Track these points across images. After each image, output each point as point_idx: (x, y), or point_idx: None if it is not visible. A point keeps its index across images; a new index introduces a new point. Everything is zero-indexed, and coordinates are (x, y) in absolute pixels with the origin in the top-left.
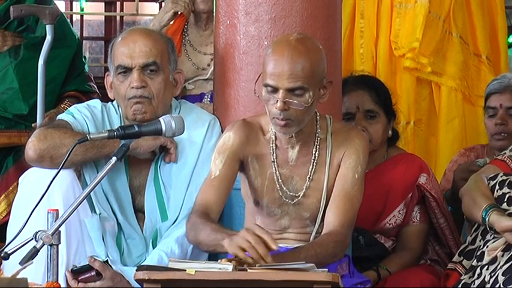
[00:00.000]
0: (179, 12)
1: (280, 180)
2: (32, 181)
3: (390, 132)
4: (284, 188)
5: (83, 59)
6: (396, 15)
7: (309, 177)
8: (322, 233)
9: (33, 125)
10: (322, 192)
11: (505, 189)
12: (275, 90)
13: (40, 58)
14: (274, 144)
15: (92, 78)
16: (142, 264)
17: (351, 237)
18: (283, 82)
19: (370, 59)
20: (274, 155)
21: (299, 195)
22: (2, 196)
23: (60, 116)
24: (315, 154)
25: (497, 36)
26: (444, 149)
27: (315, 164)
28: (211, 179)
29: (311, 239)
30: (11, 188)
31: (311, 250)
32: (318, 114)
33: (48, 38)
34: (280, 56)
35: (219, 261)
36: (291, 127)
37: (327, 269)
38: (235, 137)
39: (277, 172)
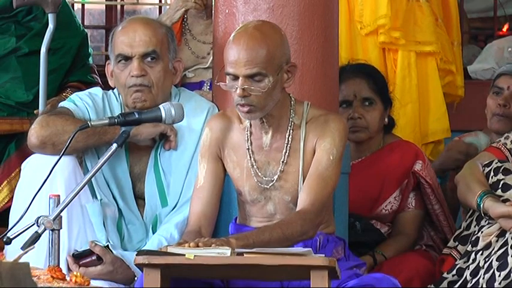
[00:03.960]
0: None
1: (255, 167)
2: (34, 167)
3: (386, 119)
4: (260, 174)
5: (89, 51)
6: None
7: (282, 161)
8: (293, 212)
9: (35, 111)
10: (298, 176)
11: (500, 176)
12: (236, 77)
13: (42, 46)
14: (249, 132)
15: (95, 70)
16: (142, 249)
17: (322, 216)
18: (241, 69)
19: None
20: (249, 142)
21: (274, 180)
22: (5, 182)
23: (62, 104)
24: (288, 138)
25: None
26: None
27: (288, 148)
28: (197, 190)
29: None
30: (13, 175)
31: (277, 228)
32: (292, 99)
33: (51, 27)
34: (237, 44)
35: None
36: (254, 113)
37: (323, 254)
38: (211, 134)
39: (251, 159)
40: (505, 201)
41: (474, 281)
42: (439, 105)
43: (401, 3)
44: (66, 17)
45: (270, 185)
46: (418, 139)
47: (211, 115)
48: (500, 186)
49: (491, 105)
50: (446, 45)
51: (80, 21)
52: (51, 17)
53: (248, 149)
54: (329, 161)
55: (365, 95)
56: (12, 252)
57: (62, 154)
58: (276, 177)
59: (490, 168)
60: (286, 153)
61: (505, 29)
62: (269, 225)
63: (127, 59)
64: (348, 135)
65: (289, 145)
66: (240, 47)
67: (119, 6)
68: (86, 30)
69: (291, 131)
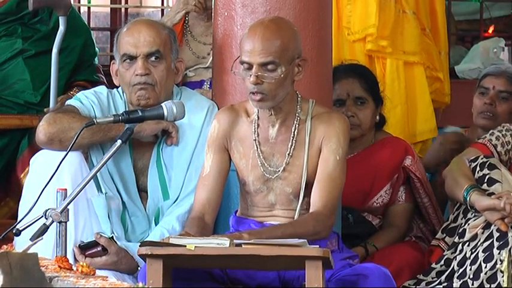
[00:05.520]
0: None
1: (262, 157)
2: (42, 162)
3: (377, 117)
4: (266, 165)
5: (95, 52)
6: (347, 2)
7: (288, 154)
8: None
9: (45, 109)
10: (302, 168)
11: (485, 171)
12: (250, 66)
13: (54, 47)
14: (256, 124)
15: (101, 70)
16: (145, 240)
17: (335, 217)
18: (256, 57)
19: None
20: (256, 133)
21: (279, 171)
22: (21, 176)
23: (68, 102)
24: (294, 132)
25: (435, 8)
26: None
27: (294, 141)
28: (203, 177)
29: (296, 214)
30: (27, 170)
31: (290, 227)
32: (299, 95)
33: (62, 29)
34: (253, 34)
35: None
36: (265, 101)
37: (318, 245)
38: (219, 126)
39: (258, 150)
40: (490, 194)
41: (461, 271)
42: (426, 106)
43: (390, 14)
44: (70, 18)
45: (275, 175)
46: (407, 139)
47: (216, 110)
48: (485, 180)
49: (478, 104)
50: (434, 54)
51: (86, 24)
52: (62, 20)
53: (255, 140)
54: (336, 161)
55: (358, 95)
56: (21, 243)
57: (69, 150)
58: (281, 168)
59: (476, 163)
60: (292, 146)
61: (490, 30)
62: (282, 223)
63: (132, 58)
64: (349, 133)
65: (295, 138)
66: (256, 37)
67: (123, 9)
68: (91, 31)
69: (297, 125)
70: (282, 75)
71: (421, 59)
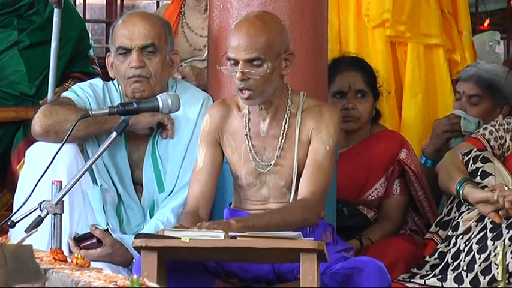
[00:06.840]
0: None
1: (253, 152)
2: (38, 154)
3: (374, 111)
4: (257, 159)
5: (89, 44)
6: None
7: (279, 147)
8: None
9: (40, 102)
10: (293, 162)
11: (478, 164)
12: (236, 62)
13: (52, 40)
14: (247, 119)
15: (96, 62)
16: (140, 232)
17: (324, 205)
18: (241, 54)
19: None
20: (247, 128)
21: (271, 165)
22: (17, 167)
23: (64, 94)
24: (284, 126)
25: None
26: (408, 123)
27: (284, 135)
28: (196, 172)
29: None
30: (22, 161)
31: (277, 214)
32: (290, 89)
33: (56, 20)
34: (239, 31)
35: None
36: (254, 98)
37: (313, 238)
38: (211, 120)
39: (250, 144)
40: (483, 187)
41: (455, 264)
42: (446, 95)
43: None
44: (65, 10)
45: (266, 169)
46: (428, 128)
47: (211, 103)
48: (479, 173)
49: (455, 108)
50: (454, 36)
51: (82, 16)
52: (56, 12)
53: (246, 134)
54: (325, 151)
55: (359, 87)
56: (16, 235)
57: (64, 142)
58: (272, 162)
59: (469, 156)
60: (283, 140)
61: (486, 24)
62: (269, 210)
63: (127, 51)
64: (340, 125)
65: (285, 132)
66: (241, 33)
67: (118, 1)
68: (86, 23)
69: (288, 119)
70: (268, 71)
71: (442, 41)
